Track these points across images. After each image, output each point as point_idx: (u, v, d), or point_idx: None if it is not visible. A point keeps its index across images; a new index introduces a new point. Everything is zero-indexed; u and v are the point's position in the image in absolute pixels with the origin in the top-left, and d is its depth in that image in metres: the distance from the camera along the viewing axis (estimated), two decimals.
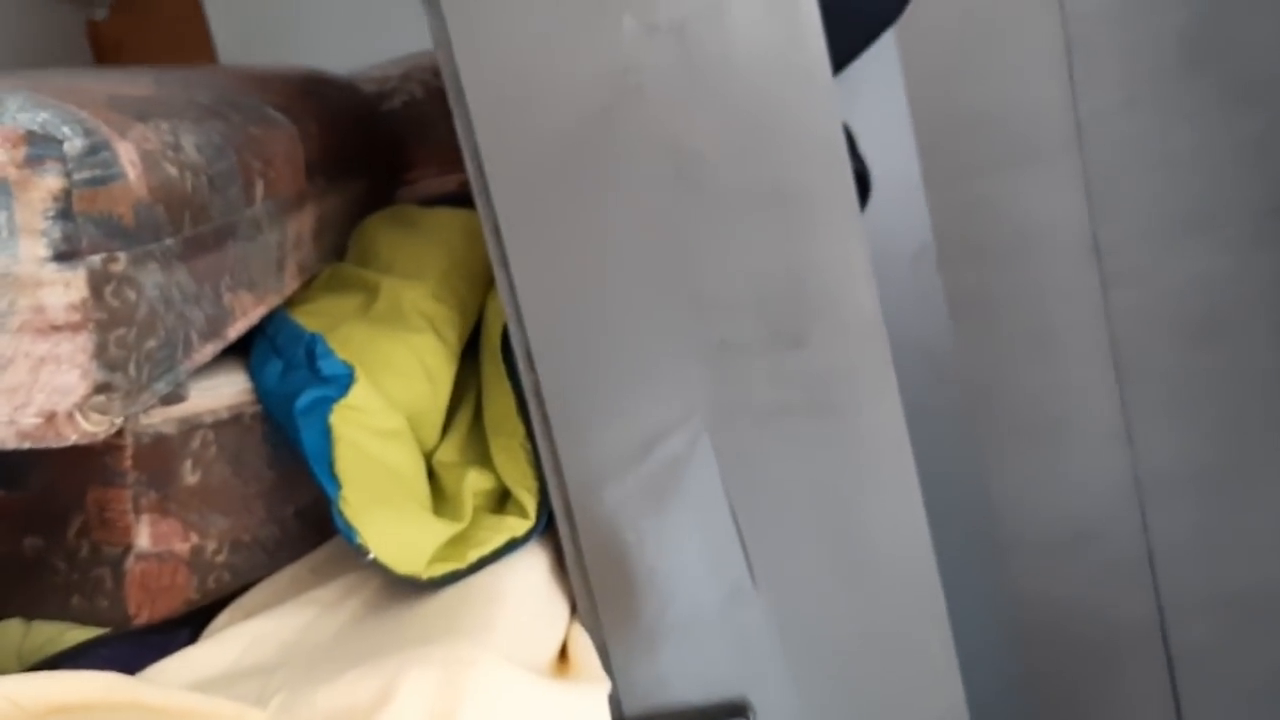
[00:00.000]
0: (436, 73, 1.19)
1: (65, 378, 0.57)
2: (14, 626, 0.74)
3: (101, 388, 0.58)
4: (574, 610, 0.79)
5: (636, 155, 0.75)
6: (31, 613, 0.73)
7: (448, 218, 0.96)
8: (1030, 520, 1.26)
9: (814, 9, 0.73)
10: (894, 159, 1.21)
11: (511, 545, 0.76)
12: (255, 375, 0.77)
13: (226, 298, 0.71)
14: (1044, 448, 1.28)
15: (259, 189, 0.75)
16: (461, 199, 1.06)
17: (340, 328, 0.80)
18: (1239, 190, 1.10)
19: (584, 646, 0.76)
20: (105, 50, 1.58)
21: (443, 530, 0.75)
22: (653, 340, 0.76)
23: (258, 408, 0.76)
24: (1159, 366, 1.16)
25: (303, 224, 0.84)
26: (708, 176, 0.75)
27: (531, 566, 0.77)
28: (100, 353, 0.57)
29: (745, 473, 0.77)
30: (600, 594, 0.78)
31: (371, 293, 0.85)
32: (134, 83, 0.75)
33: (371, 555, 0.70)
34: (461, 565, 0.73)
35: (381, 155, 1.09)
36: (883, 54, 1.14)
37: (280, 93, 0.91)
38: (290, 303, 0.84)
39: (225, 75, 0.97)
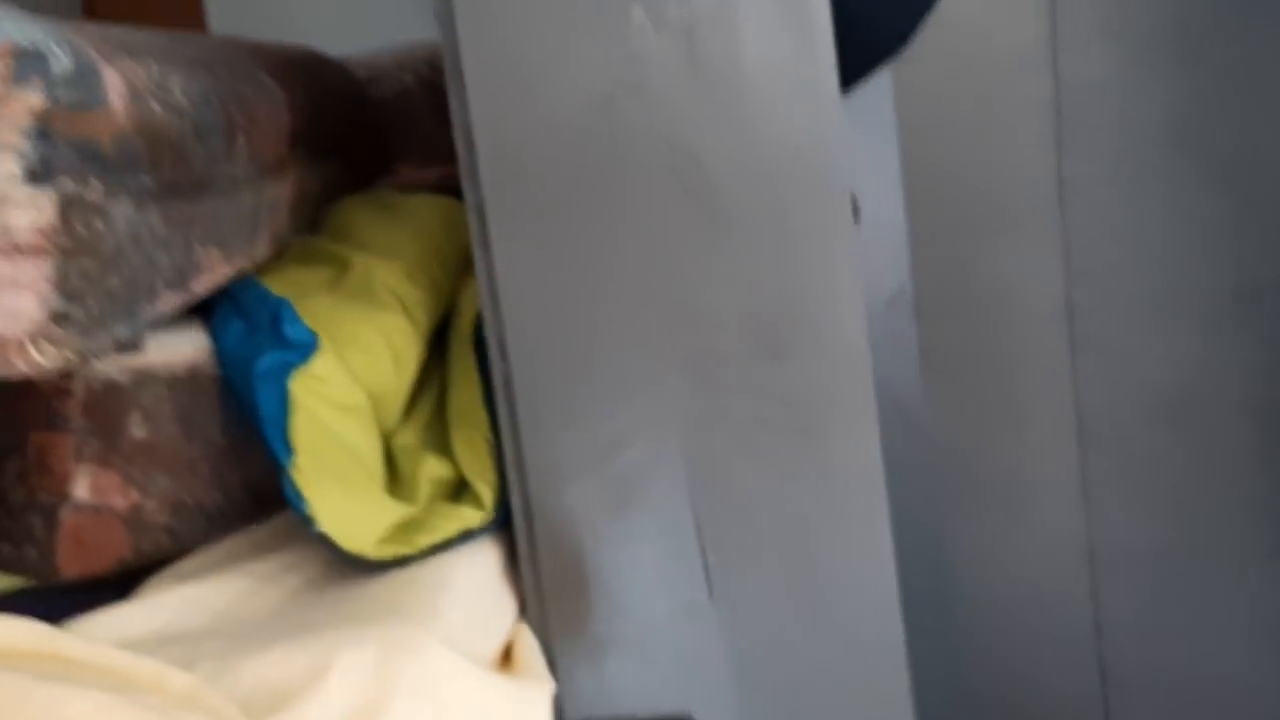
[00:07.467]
0: (430, 64, 1.18)
1: (21, 302, 0.54)
2: None
3: (58, 318, 0.55)
4: (523, 611, 0.76)
5: (633, 150, 0.73)
6: None
7: (427, 203, 0.95)
8: (981, 579, 1.25)
9: (828, 23, 0.72)
10: (879, 204, 1.21)
11: (464, 536, 0.73)
12: (216, 335, 0.74)
13: (196, 250, 0.68)
14: (1002, 508, 1.27)
15: (241, 145, 0.73)
16: (441, 190, 1.04)
17: (308, 298, 0.78)
18: (1211, 271, 1.10)
19: (530, 647, 0.74)
20: None
21: (395, 511, 0.73)
22: (631, 341, 0.74)
23: (216, 370, 0.73)
24: (1122, 437, 1.15)
25: (281, 191, 0.82)
26: (704, 180, 0.74)
27: (482, 561, 0.75)
28: (61, 281, 0.55)
29: (713, 485, 0.75)
30: (551, 596, 0.76)
31: (343, 268, 0.83)
32: (127, 31, 0.73)
33: (319, 527, 0.68)
34: (411, 550, 0.71)
35: (366, 141, 1.07)
36: (879, 100, 1.14)
37: (272, 60, 0.89)
38: (259, 271, 0.81)
39: (219, 39, 0.95)
